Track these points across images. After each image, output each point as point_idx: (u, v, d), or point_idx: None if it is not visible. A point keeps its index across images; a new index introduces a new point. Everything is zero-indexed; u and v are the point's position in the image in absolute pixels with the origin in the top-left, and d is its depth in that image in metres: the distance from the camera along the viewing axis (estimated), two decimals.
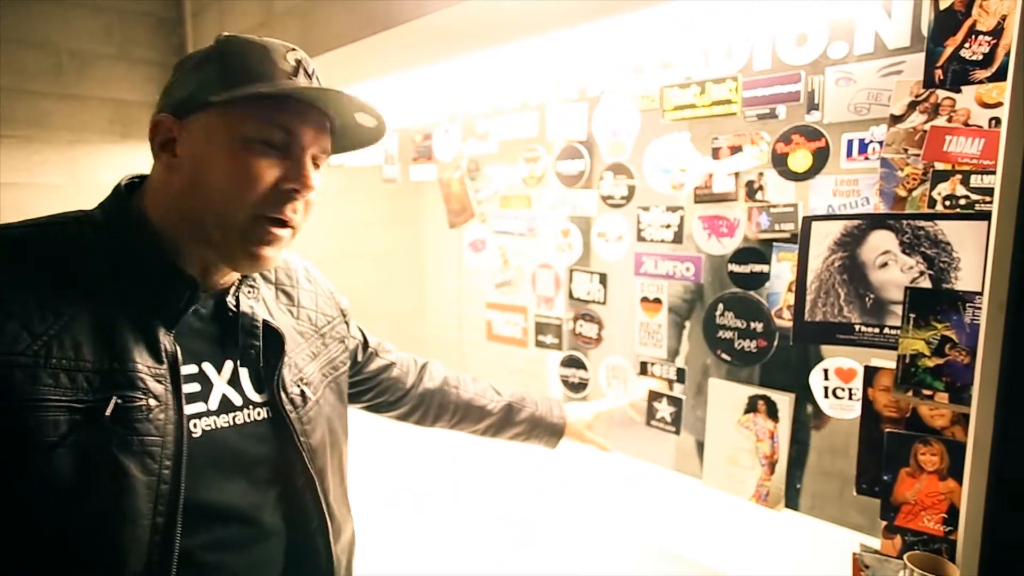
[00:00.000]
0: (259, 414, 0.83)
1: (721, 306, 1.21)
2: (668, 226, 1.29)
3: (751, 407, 1.16)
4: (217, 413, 0.80)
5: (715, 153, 1.18)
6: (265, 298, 0.91)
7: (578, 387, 1.54)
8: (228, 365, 0.83)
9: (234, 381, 0.83)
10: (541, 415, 1.25)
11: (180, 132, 0.77)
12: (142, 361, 0.72)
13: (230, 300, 0.84)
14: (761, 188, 1.13)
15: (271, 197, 0.75)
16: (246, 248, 0.76)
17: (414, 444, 1.73)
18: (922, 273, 0.91)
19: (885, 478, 0.96)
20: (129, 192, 0.80)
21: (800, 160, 1.07)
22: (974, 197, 0.87)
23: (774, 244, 1.13)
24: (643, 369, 1.37)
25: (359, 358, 1.10)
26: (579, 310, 1.54)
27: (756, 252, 1.16)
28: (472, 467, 1.70)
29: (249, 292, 0.87)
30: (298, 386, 0.88)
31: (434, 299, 2.89)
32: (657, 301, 1.34)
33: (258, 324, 0.85)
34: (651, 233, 1.32)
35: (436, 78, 1.68)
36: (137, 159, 2.76)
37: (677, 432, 1.31)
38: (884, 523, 0.96)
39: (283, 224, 0.78)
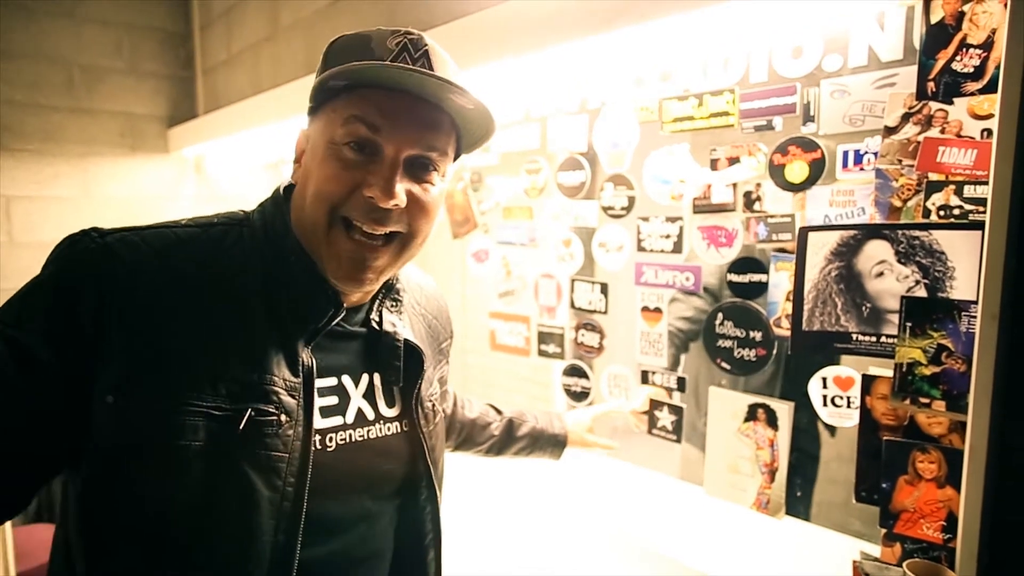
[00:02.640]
0: (390, 429, 0.82)
1: (720, 315, 1.22)
2: (668, 236, 1.31)
3: (751, 415, 1.16)
4: (353, 427, 0.78)
5: (713, 164, 1.20)
6: (406, 310, 0.89)
7: (580, 396, 1.55)
8: (365, 379, 0.81)
9: (369, 395, 0.81)
10: (542, 428, 1.23)
11: (306, 143, 0.77)
12: (280, 374, 0.70)
13: (373, 316, 0.82)
14: (759, 199, 1.15)
15: (354, 203, 0.70)
16: (333, 262, 0.72)
17: None
18: (918, 282, 0.92)
19: (884, 486, 0.96)
20: (287, 198, 0.78)
21: (797, 171, 1.08)
22: (968, 207, 0.88)
23: (772, 254, 1.14)
24: (644, 378, 1.38)
25: None
26: (581, 319, 1.55)
27: (755, 262, 1.17)
28: (475, 473, 1.71)
29: (392, 306, 0.85)
30: (431, 401, 0.87)
31: None
32: (657, 310, 1.35)
33: (400, 343, 0.82)
34: (651, 243, 1.33)
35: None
36: (147, 171, 2.80)
37: (678, 440, 1.32)
38: (883, 531, 0.97)
39: (367, 235, 0.71)
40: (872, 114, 0.99)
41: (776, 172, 1.11)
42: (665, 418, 1.34)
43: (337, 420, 0.76)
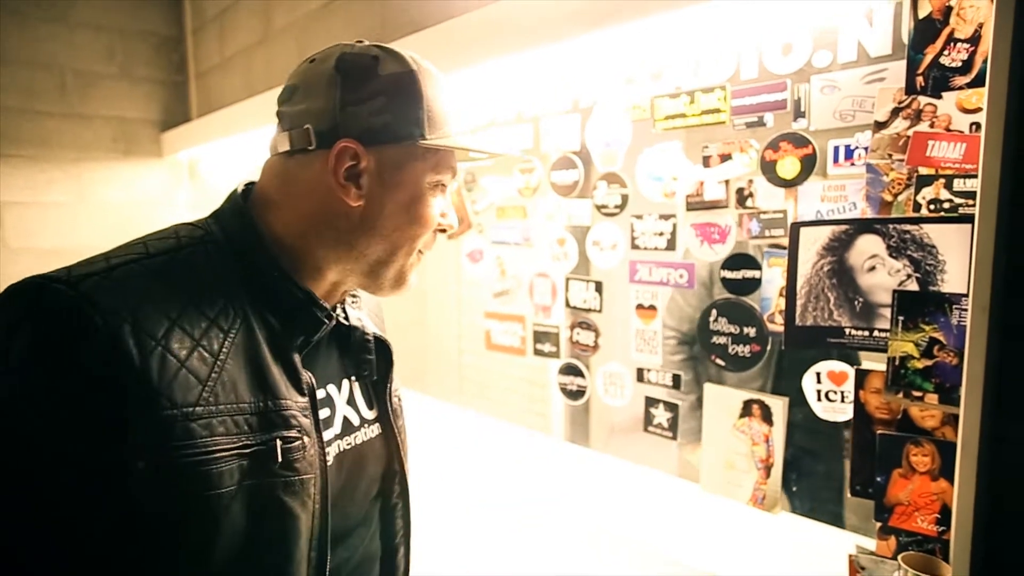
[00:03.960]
0: (373, 431, 0.83)
1: (715, 312, 1.22)
2: (661, 234, 1.31)
3: (746, 411, 1.17)
4: (341, 436, 0.78)
5: (705, 161, 1.20)
6: (361, 305, 0.88)
7: (576, 395, 1.56)
8: (345, 384, 0.81)
9: (351, 400, 0.81)
10: None
11: (368, 162, 0.71)
12: (291, 397, 0.69)
13: (339, 314, 0.80)
14: (751, 195, 1.15)
15: (430, 235, 0.77)
16: (400, 279, 0.77)
17: (413, 445, 1.74)
18: (909, 276, 0.92)
19: (878, 479, 0.97)
20: (244, 203, 0.74)
21: (788, 167, 1.09)
22: (957, 201, 0.89)
23: (765, 250, 1.15)
24: (640, 376, 1.39)
25: None
26: (576, 318, 1.55)
27: (748, 258, 1.17)
28: (471, 470, 1.71)
29: (353, 302, 0.84)
30: (397, 396, 0.87)
31: (434, 309, 2.91)
32: (652, 308, 1.36)
33: (369, 338, 0.83)
34: (645, 241, 1.34)
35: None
36: (141, 176, 2.80)
37: (675, 438, 1.32)
38: (878, 524, 0.97)
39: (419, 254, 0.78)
40: (862, 109, 0.99)
41: (768, 168, 1.11)
42: (661, 415, 1.34)
43: (328, 433, 0.75)
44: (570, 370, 1.57)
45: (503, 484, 1.64)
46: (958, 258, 0.88)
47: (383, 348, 0.85)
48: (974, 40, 0.85)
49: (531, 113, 1.56)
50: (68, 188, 2.64)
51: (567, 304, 1.56)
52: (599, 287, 1.49)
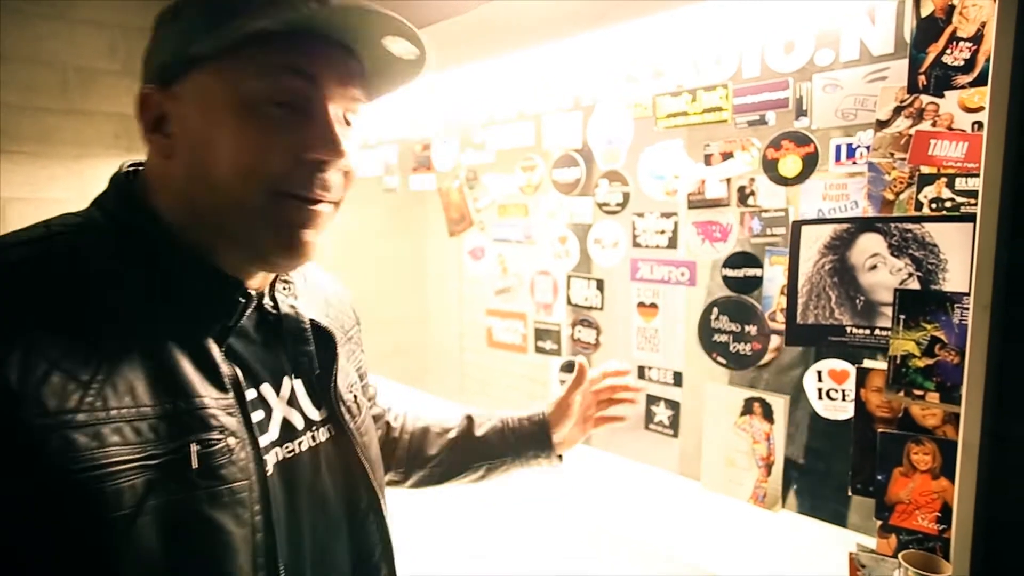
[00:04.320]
0: (323, 434, 0.72)
1: (716, 310, 1.22)
2: (663, 232, 1.31)
3: (747, 409, 1.17)
4: (280, 442, 0.67)
5: (707, 159, 1.20)
6: (301, 294, 0.76)
7: None
8: (286, 383, 0.70)
9: (293, 401, 0.70)
10: (510, 416, 1.06)
11: (169, 105, 0.61)
12: (208, 394, 0.59)
13: (267, 302, 0.69)
14: (753, 193, 1.15)
15: (294, 172, 0.60)
16: (277, 238, 0.62)
17: None
18: (911, 275, 0.92)
19: (879, 478, 0.97)
20: (133, 186, 0.65)
21: (790, 165, 1.09)
22: (959, 200, 0.89)
23: (767, 248, 1.15)
24: (641, 373, 1.39)
25: None
26: (577, 316, 1.55)
27: (749, 256, 1.17)
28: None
29: (285, 288, 0.73)
30: (352, 392, 0.76)
31: (435, 307, 2.91)
32: (653, 306, 1.36)
33: (306, 325, 0.72)
34: (646, 239, 1.34)
35: (434, 89, 1.71)
36: None
37: (675, 435, 1.33)
38: (879, 522, 0.98)
39: (314, 202, 0.62)
40: (864, 108, 0.99)
41: (769, 166, 1.11)
42: (662, 413, 1.34)
43: (263, 439, 0.64)
44: (571, 368, 1.57)
45: (502, 481, 1.64)
46: (960, 257, 0.88)
47: (324, 338, 0.73)
48: (976, 39, 0.85)
49: (533, 111, 1.57)
50: (70, 184, 2.64)
51: (568, 302, 1.56)
52: (600, 285, 1.49)
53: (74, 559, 0.52)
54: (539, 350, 1.64)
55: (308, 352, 0.72)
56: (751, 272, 1.17)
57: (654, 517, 1.38)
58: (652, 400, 1.36)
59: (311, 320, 0.73)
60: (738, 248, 1.19)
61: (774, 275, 1.14)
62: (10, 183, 2.49)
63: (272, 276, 0.71)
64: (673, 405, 1.33)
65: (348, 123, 0.65)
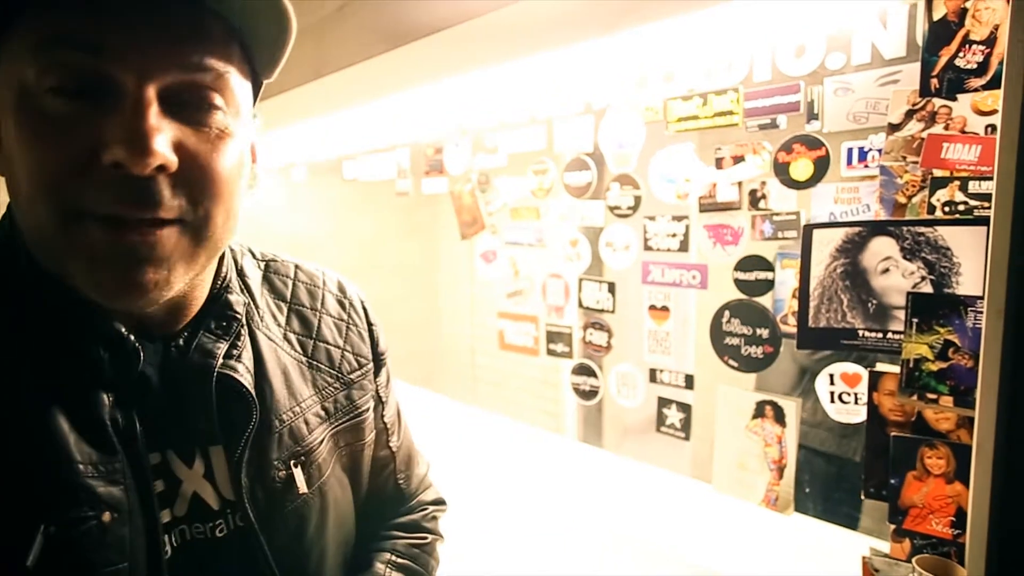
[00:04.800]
0: (240, 519, 0.57)
1: (727, 313, 1.22)
2: (674, 235, 1.31)
3: (759, 412, 1.17)
4: (188, 521, 0.55)
5: (718, 163, 1.20)
6: (260, 328, 0.61)
7: (589, 395, 1.56)
8: (208, 451, 0.56)
9: (212, 472, 0.56)
10: None
11: None
12: (81, 456, 0.47)
13: (176, 344, 0.55)
14: (764, 197, 1.15)
15: (90, 183, 0.44)
16: (92, 275, 0.46)
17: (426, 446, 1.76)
18: (923, 278, 0.92)
19: (892, 482, 0.96)
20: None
21: (801, 169, 1.09)
22: (972, 203, 0.89)
23: (778, 251, 1.15)
24: (652, 376, 1.39)
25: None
26: (589, 319, 1.56)
27: (760, 260, 1.17)
28: (480, 471, 1.72)
29: (219, 329, 0.57)
30: (287, 467, 0.58)
31: (447, 309, 2.93)
32: (665, 309, 1.36)
33: (211, 379, 0.55)
34: (657, 242, 1.34)
35: (446, 94, 1.72)
36: None
37: (687, 438, 1.33)
38: (892, 527, 0.97)
39: (123, 222, 0.45)
40: (876, 111, 0.99)
41: (781, 170, 1.11)
42: (673, 416, 1.35)
43: (164, 514, 0.53)
44: (583, 370, 1.58)
45: (514, 484, 1.65)
46: (973, 260, 0.87)
47: (236, 397, 0.56)
48: (989, 42, 0.85)
49: (544, 115, 1.57)
50: None
51: (580, 304, 1.57)
52: (612, 288, 1.50)
53: None
54: (551, 352, 1.65)
55: (207, 417, 0.54)
56: (762, 275, 1.17)
57: (666, 520, 1.38)
58: (664, 403, 1.36)
59: (220, 374, 0.55)
60: (749, 251, 1.19)
61: (785, 278, 1.14)
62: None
63: (194, 311, 0.56)
64: (685, 408, 1.33)
65: (206, 105, 0.48)
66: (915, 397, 0.93)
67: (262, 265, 0.68)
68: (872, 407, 0.99)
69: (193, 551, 0.55)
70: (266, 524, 0.57)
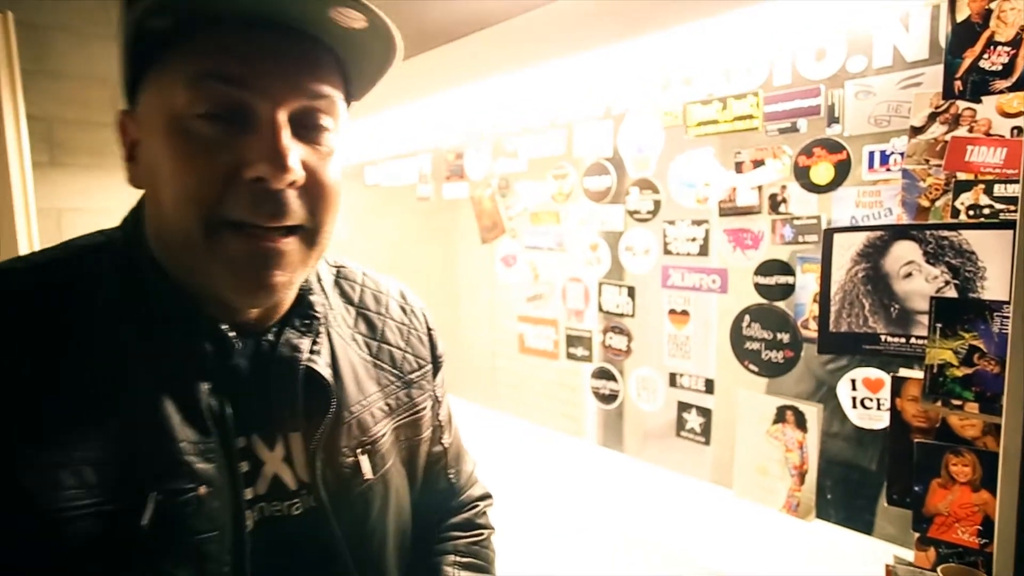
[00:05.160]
0: (310, 501, 0.63)
1: (747, 317, 1.22)
2: (693, 239, 1.31)
3: (780, 417, 1.16)
4: (267, 499, 0.60)
5: (738, 167, 1.20)
6: (333, 328, 0.68)
7: (609, 399, 1.56)
8: (283, 437, 0.62)
9: (291, 457, 0.62)
10: None
11: (137, 129, 0.56)
12: (183, 436, 0.54)
13: (267, 340, 0.62)
14: (784, 201, 1.15)
15: (234, 197, 0.51)
16: (228, 278, 0.53)
17: None
18: (947, 283, 0.91)
19: (916, 489, 0.95)
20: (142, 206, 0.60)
21: (822, 173, 1.08)
22: (998, 206, 0.87)
23: (798, 256, 1.14)
24: (672, 381, 1.39)
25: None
26: (609, 323, 1.56)
27: (781, 264, 1.17)
28: (499, 473, 1.73)
29: (303, 327, 0.63)
30: (354, 455, 0.64)
31: (468, 313, 2.95)
32: (684, 313, 1.36)
33: (298, 371, 0.61)
34: (677, 246, 1.34)
35: (467, 99, 1.74)
36: None
37: (707, 443, 1.32)
38: (917, 535, 0.96)
39: (262, 230, 0.52)
40: (898, 114, 0.98)
41: (801, 174, 1.11)
42: (693, 420, 1.34)
43: (247, 492, 0.59)
44: (603, 374, 1.58)
45: (532, 486, 1.65)
46: (999, 264, 0.86)
47: (316, 388, 0.62)
48: (1015, 43, 0.84)
49: (565, 119, 1.58)
50: (119, 195, 2.75)
51: (600, 308, 1.57)
52: (632, 292, 1.50)
53: None
54: (570, 356, 1.66)
55: (293, 405, 0.61)
56: (783, 280, 1.16)
57: (685, 524, 1.37)
58: (684, 407, 1.36)
59: (306, 367, 0.61)
60: (769, 256, 1.18)
61: (806, 283, 1.13)
62: (66, 194, 2.62)
63: (282, 311, 0.63)
64: (705, 412, 1.33)
65: (319, 127, 0.55)
66: (939, 403, 0.92)
67: (333, 271, 0.75)
68: (895, 413, 0.98)
69: (270, 526, 0.60)
70: (336, 505, 0.63)
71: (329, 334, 0.67)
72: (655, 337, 1.43)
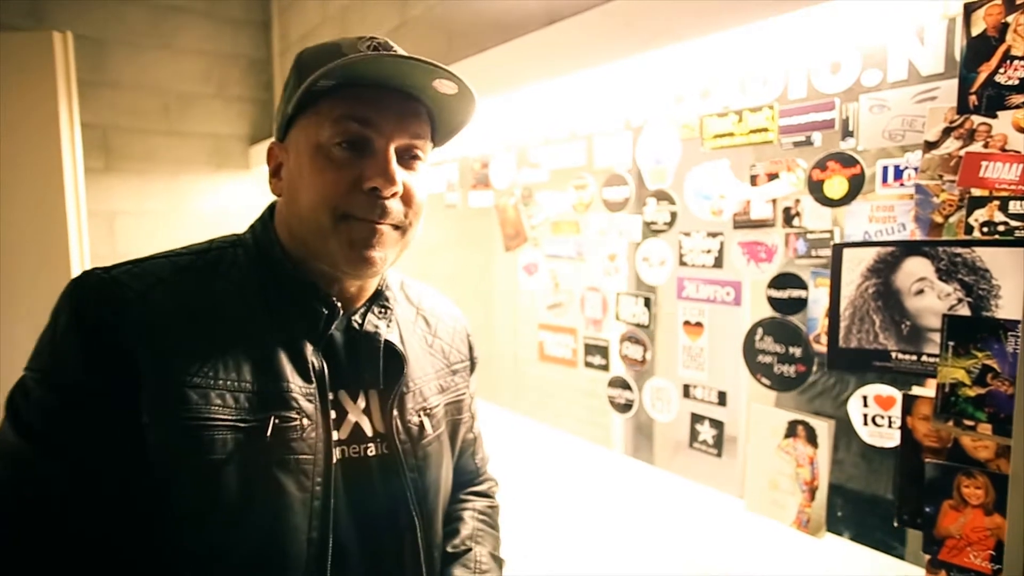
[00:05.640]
0: (384, 447, 0.80)
1: (760, 331, 1.21)
2: (708, 251, 1.31)
3: (791, 432, 1.15)
4: (347, 443, 0.78)
5: (753, 180, 1.20)
6: (400, 319, 0.88)
7: (625, 408, 1.57)
8: (363, 394, 0.80)
9: (368, 411, 0.80)
10: None
11: (282, 155, 0.78)
12: (294, 381, 0.72)
13: (356, 319, 0.81)
14: (798, 214, 1.14)
15: (356, 200, 0.72)
16: (344, 252, 0.73)
17: None
18: (960, 300, 0.89)
19: (927, 510, 0.93)
20: (272, 215, 0.82)
21: (836, 187, 1.07)
22: (1013, 223, 0.86)
23: (812, 269, 1.13)
24: (686, 392, 1.39)
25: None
26: (625, 332, 1.57)
27: (794, 277, 1.16)
28: (515, 480, 1.75)
29: (380, 312, 0.84)
30: (419, 415, 0.83)
31: (494, 319, 2.98)
32: (699, 324, 1.36)
33: (379, 344, 0.81)
34: (692, 258, 1.34)
35: (493, 110, 1.78)
36: (229, 187, 3.03)
37: (719, 455, 1.31)
38: (927, 556, 0.94)
39: (372, 223, 0.73)
40: (912, 129, 0.97)
41: (815, 188, 1.10)
42: (706, 432, 1.34)
43: (334, 435, 0.76)
44: (618, 383, 1.58)
45: (542, 496, 1.67)
46: (1013, 282, 0.84)
47: (393, 357, 0.82)
48: None
49: (584, 131, 1.60)
50: (167, 198, 2.90)
51: (617, 318, 1.58)
52: (648, 302, 1.51)
53: (176, 490, 0.68)
54: (588, 365, 1.67)
55: (376, 368, 0.80)
56: (795, 293, 1.15)
57: (698, 535, 1.36)
58: (697, 419, 1.36)
59: (386, 341, 0.81)
60: (783, 269, 1.18)
61: (819, 297, 1.12)
62: (120, 197, 2.77)
63: (366, 298, 0.83)
64: (717, 424, 1.32)
65: (415, 158, 0.77)
66: (951, 423, 0.90)
67: (399, 281, 0.95)
68: (905, 431, 0.96)
69: (350, 464, 0.77)
70: (405, 454, 0.80)
71: (398, 322, 0.87)
72: (670, 348, 1.43)
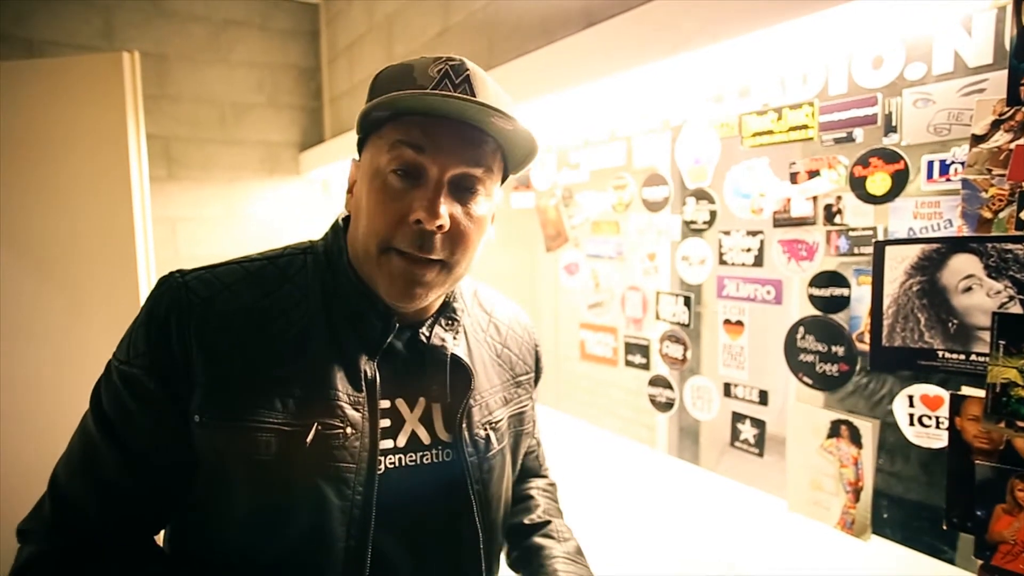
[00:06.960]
0: (446, 455, 0.79)
1: (802, 329, 1.20)
2: (748, 250, 1.30)
3: (834, 432, 1.13)
4: (404, 451, 0.77)
5: (793, 178, 1.18)
6: (470, 328, 0.87)
7: (666, 407, 1.57)
8: (422, 402, 0.80)
9: (426, 419, 0.80)
10: None
11: (357, 173, 0.79)
12: (343, 389, 0.73)
13: (423, 331, 0.81)
14: (839, 212, 1.12)
15: (401, 232, 0.71)
16: (386, 285, 0.73)
17: None
18: (1012, 298, 0.87)
19: (978, 514, 0.91)
20: (345, 226, 0.82)
21: (878, 183, 1.05)
22: None
23: (854, 267, 1.11)
24: (727, 391, 1.38)
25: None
26: (666, 332, 1.57)
27: (836, 276, 1.14)
28: (559, 478, 1.77)
29: (448, 324, 0.83)
30: (485, 429, 0.82)
31: (537, 319, 3.00)
32: (739, 323, 1.35)
33: (446, 357, 0.80)
34: (732, 257, 1.33)
35: (534, 112, 1.80)
36: (281, 192, 3.16)
37: (760, 454, 1.30)
38: (979, 562, 0.91)
39: (414, 259, 0.71)
40: (959, 122, 0.94)
41: (857, 184, 1.08)
42: (747, 431, 1.33)
43: (387, 443, 0.76)
44: (659, 382, 1.58)
45: (576, 495, 1.68)
46: None
47: (460, 370, 0.81)
48: None
49: (624, 132, 1.61)
50: (223, 204, 3.04)
51: (657, 317, 1.58)
52: (688, 301, 1.50)
53: (222, 488, 0.71)
54: (629, 364, 1.67)
55: (442, 381, 0.80)
56: (838, 292, 1.13)
57: (741, 535, 1.36)
58: (738, 418, 1.35)
59: (453, 355, 0.80)
60: (824, 267, 1.16)
61: (862, 295, 1.10)
62: (180, 204, 2.93)
63: (433, 311, 0.83)
64: (758, 423, 1.31)
65: (472, 191, 0.73)
66: (1003, 424, 0.87)
67: (473, 288, 0.95)
68: (954, 432, 0.93)
69: (405, 471, 0.77)
70: (472, 467, 0.80)
71: (466, 333, 0.86)
72: (711, 347, 1.43)
